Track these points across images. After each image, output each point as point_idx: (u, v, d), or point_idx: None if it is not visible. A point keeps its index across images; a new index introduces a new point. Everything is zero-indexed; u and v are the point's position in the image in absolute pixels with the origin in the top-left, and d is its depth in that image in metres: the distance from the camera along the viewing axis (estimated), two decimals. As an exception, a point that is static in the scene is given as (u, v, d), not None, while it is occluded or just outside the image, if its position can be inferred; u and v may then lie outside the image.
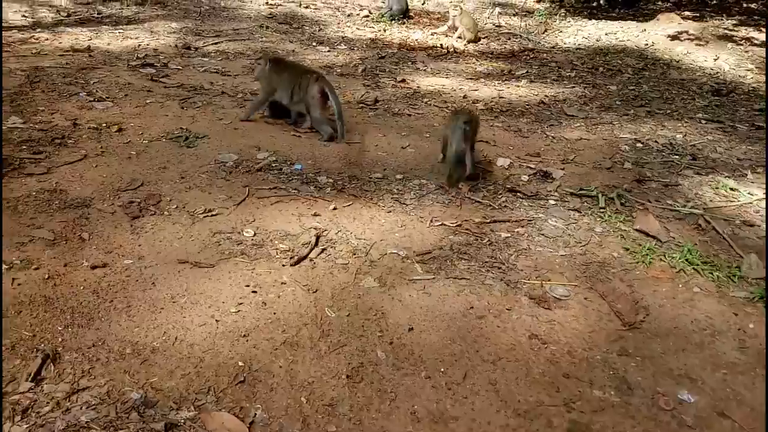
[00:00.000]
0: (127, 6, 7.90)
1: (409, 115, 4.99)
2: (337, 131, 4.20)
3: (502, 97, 5.76)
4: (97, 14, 7.48)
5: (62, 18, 7.14)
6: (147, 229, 2.87)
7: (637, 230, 3.24)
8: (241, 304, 2.40)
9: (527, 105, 5.55)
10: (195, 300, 2.40)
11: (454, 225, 3.17)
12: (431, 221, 3.20)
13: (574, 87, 6.30)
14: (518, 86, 6.21)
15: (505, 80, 6.45)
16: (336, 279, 2.63)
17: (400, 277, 2.68)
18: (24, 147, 3.59)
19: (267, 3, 9.04)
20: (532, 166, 4.08)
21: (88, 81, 4.94)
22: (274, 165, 3.72)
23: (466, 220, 3.24)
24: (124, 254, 2.65)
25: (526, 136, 4.73)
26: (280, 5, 9.10)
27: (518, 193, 3.63)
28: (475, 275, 2.73)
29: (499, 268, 2.81)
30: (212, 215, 3.05)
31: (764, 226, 3.40)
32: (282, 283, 2.56)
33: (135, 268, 2.56)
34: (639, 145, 4.65)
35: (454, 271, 2.75)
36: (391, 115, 4.95)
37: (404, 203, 3.39)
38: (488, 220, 3.26)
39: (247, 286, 2.51)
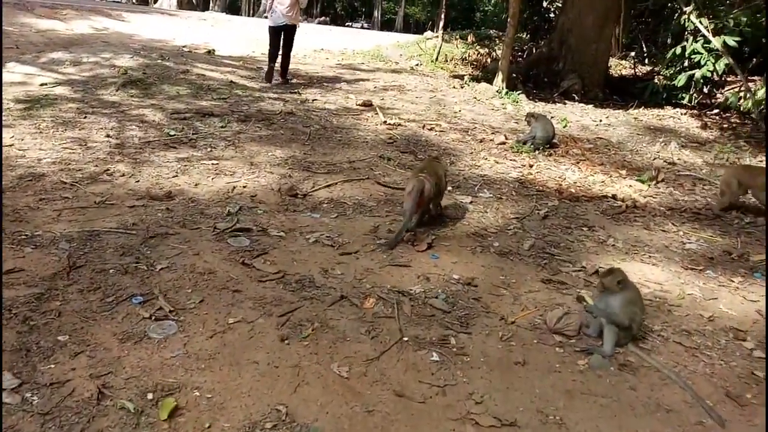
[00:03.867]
0: (228, 124, 6.67)
1: (650, 367, 2.96)
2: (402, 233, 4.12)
3: None
4: (193, 133, 6.25)
5: (150, 139, 5.94)
6: None
7: None
8: None
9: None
10: None
11: None
12: None
13: None
14: (774, 292, 4.05)
15: (743, 274, 4.30)
16: None
17: None
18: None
19: (385, 122, 7.61)
20: None
21: (153, 266, 3.37)
22: None
23: None
24: None
25: None
26: (400, 125, 7.64)
27: None
28: None
29: None
30: None
31: None
32: None
33: None
34: None
35: None
36: (617, 368, 2.94)
37: None
38: None
39: None
